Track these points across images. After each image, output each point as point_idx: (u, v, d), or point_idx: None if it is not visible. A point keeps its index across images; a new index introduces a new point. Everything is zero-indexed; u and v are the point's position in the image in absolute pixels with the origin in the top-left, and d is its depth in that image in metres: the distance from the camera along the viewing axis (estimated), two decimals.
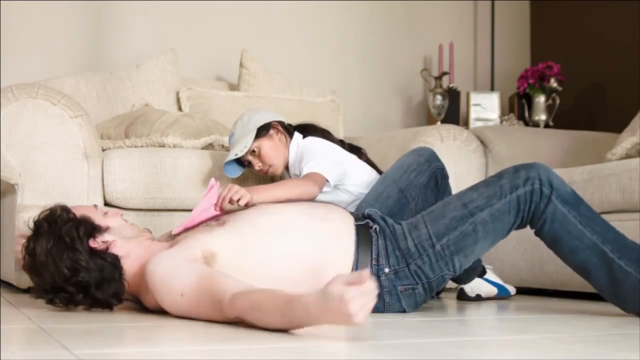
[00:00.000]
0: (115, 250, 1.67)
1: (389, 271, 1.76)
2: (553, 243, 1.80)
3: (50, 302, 1.67)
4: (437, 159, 2.11)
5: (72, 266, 1.61)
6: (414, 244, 1.76)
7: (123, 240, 1.69)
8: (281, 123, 2.31)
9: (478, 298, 2.27)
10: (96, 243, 1.65)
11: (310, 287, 1.72)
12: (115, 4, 3.35)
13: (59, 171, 2.23)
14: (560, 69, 3.69)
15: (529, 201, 1.75)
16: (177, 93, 3.10)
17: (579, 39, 3.89)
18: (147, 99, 2.97)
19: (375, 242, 1.78)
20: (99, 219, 1.70)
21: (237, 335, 1.40)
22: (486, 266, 2.31)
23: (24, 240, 1.69)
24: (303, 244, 1.73)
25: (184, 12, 3.48)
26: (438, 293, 2.34)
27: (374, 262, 1.76)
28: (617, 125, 3.14)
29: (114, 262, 1.65)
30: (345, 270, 1.74)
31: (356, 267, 1.75)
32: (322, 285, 1.72)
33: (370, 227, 1.81)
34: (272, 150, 2.25)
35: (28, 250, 1.65)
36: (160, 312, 1.69)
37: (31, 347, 1.19)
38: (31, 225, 1.68)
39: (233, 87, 3.34)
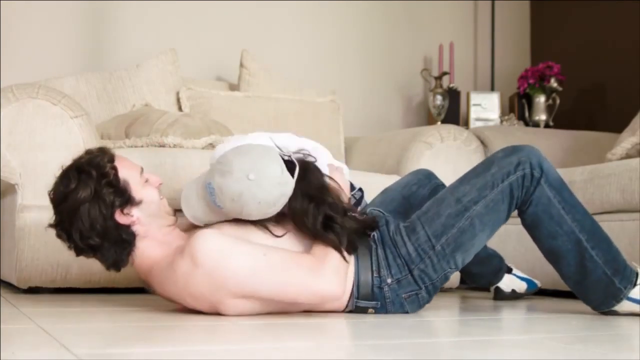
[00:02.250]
0: (136, 228, 1.67)
1: (392, 281, 1.75)
2: (533, 225, 1.83)
3: (59, 237, 1.68)
4: (436, 177, 2.15)
5: (91, 226, 1.61)
6: (414, 247, 1.75)
7: (147, 219, 1.68)
8: None
9: (514, 293, 2.34)
10: (122, 217, 1.65)
11: (309, 306, 1.73)
12: (115, 4, 3.34)
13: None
14: (560, 69, 3.69)
15: (521, 186, 1.77)
16: (177, 93, 3.10)
17: (579, 39, 3.89)
18: (147, 99, 2.97)
19: (374, 253, 1.77)
20: (137, 189, 1.67)
21: (237, 335, 1.41)
22: (509, 264, 2.38)
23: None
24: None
25: (184, 12, 3.48)
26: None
27: (375, 275, 1.75)
28: (617, 125, 3.14)
29: (129, 240, 1.66)
30: (346, 288, 1.73)
31: (357, 282, 1.74)
32: (320, 304, 1.72)
33: (369, 235, 1.79)
34: None
35: (67, 187, 1.64)
36: (168, 302, 1.69)
37: (31, 347, 1.19)
38: (80, 157, 1.67)
39: (233, 87, 3.34)
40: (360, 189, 1.96)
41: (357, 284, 1.73)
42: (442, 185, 2.12)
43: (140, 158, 2.35)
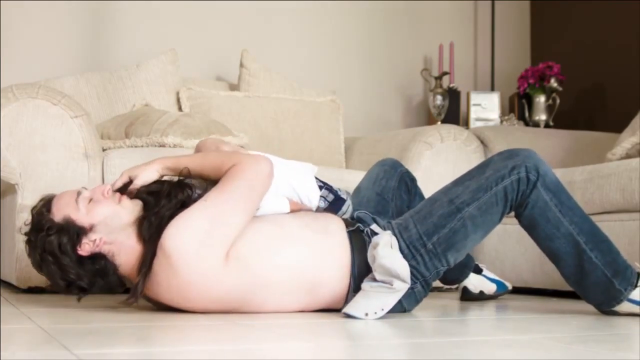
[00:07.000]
0: (104, 249, 1.64)
1: None
2: (530, 227, 1.83)
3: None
4: (401, 165, 2.19)
5: (63, 277, 1.64)
6: (406, 245, 1.76)
7: (111, 235, 1.64)
8: None
9: (481, 295, 2.29)
10: (82, 249, 1.62)
11: (307, 298, 1.74)
12: (115, 4, 3.34)
13: (59, 171, 2.23)
14: (560, 69, 3.69)
15: (516, 190, 1.77)
16: (177, 93, 3.10)
17: (579, 39, 3.89)
18: (148, 99, 2.97)
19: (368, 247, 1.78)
20: (81, 218, 1.63)
21: (237, 335, 1.41)
22: (480, 265, 2.33)
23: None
24: (304, 257, 1.74)
25: (184, 12, 3.48)
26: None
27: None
28: (617, 125, 3.14)
29: (105, 264, 1.64)
30: (343, 282, 1.75)
31: (354, 276, 1.75)
32: (318, 299, 1.76)
33: (362, 230, 1.80)
34: None
35: (28, 255, 1.69)
36: (165, 307, 1.70)
37: (31, 347, 1.19)
38: (23, 230, 1.70)
39: (233, 87, 3.34)
40: (347, 193, 1.98)
41: (355, 276, 1.75)
42: (407, 173, 2.18)
43: (140, 158, 2.36)
